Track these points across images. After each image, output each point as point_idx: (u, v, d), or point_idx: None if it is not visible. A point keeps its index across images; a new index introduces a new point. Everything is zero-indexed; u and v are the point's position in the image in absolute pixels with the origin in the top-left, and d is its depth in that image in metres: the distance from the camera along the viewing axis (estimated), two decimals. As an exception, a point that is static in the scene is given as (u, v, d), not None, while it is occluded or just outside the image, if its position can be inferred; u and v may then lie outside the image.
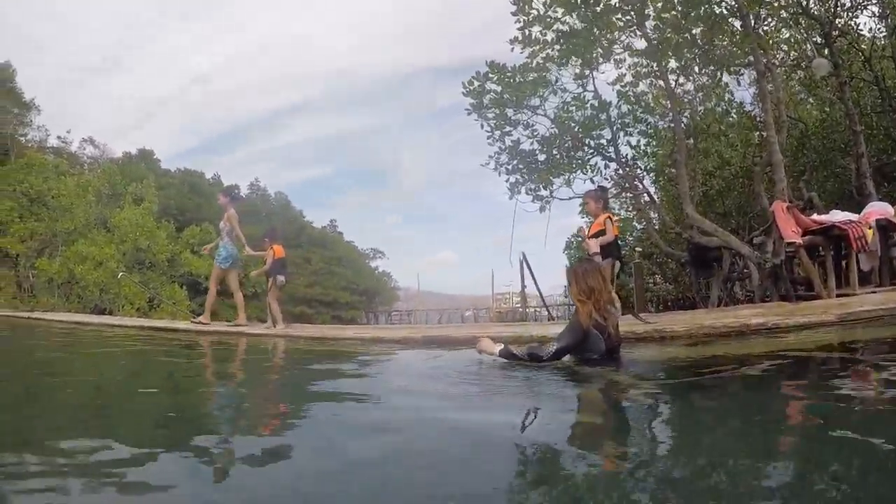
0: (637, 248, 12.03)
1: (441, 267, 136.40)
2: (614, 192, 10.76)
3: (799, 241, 7.21)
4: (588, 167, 9.22)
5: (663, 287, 14.53)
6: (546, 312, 11.62)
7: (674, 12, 8.64)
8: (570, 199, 9.36)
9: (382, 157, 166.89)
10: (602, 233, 5.27)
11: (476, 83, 8.55)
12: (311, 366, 4.66)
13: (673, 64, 9.56)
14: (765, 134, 11.30)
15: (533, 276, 7.46)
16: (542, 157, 9.00)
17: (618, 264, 5.36)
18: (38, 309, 15.31)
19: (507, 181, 9.19)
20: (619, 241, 5.87)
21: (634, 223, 13.61)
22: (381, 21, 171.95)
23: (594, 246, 4.60)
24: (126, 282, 16.40)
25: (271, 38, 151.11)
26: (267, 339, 6.93)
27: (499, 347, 3.38)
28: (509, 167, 9.10)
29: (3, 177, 23.77)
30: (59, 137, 39.41)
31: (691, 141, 10.64)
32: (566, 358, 3.24)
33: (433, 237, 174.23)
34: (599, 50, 8.99)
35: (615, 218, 5.50)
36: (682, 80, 10.36)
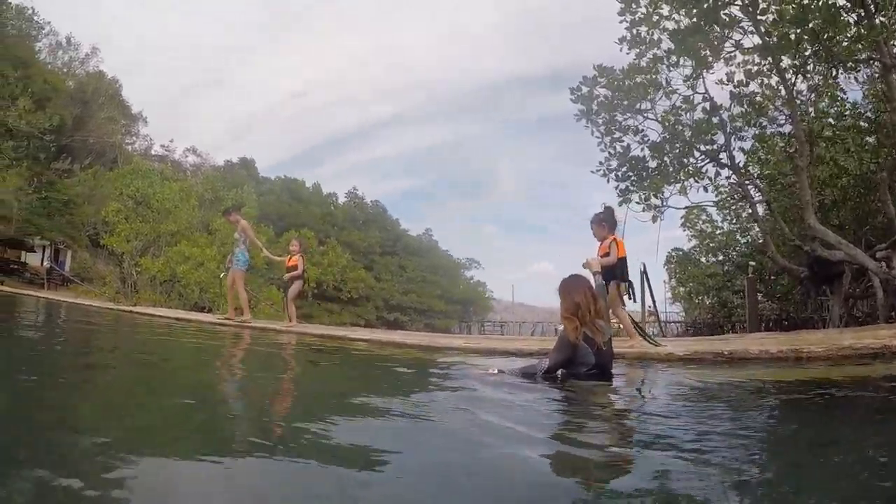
0: (751, 263, 11.17)
1: (536, 278, 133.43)
2: (729, 202, 10.09)
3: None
4: (700, 174, 8.70)
5: (766, 306, 13.41)
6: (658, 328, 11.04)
7: (793, 4, 8.03)
8: (685, 208, 8.89)
9: (477, 167, 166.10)
10: (608, 255, 5.40)
11: (585, 88, 8.33)
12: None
13: (787, 62, 8.88)
14: (880, 138, 10.23)
15: (650, 289, 7.23)
16: (652, 164, 8.61)
17: (623, 285, 5.49)
18: (140, 304, 16.38)
19: (616, 188, 8.89)
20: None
21: (738, 237, 12.72)
22: (470, 33, 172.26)
23: (595, 265, 4.49)
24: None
25: (364, 54, 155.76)
26: (373, 345, 7.02)
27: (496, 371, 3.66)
28: (619, 174, 8.78)
29: (111, 181, 26.01)
30: (162, 146, 42.92)
31: (808, 147, 9.81)
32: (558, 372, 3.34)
33: (529, 248, 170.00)
34: (709, 49, 8.50)
35: (619, 239, 5.56)
36: (796, 79, 9.59)
